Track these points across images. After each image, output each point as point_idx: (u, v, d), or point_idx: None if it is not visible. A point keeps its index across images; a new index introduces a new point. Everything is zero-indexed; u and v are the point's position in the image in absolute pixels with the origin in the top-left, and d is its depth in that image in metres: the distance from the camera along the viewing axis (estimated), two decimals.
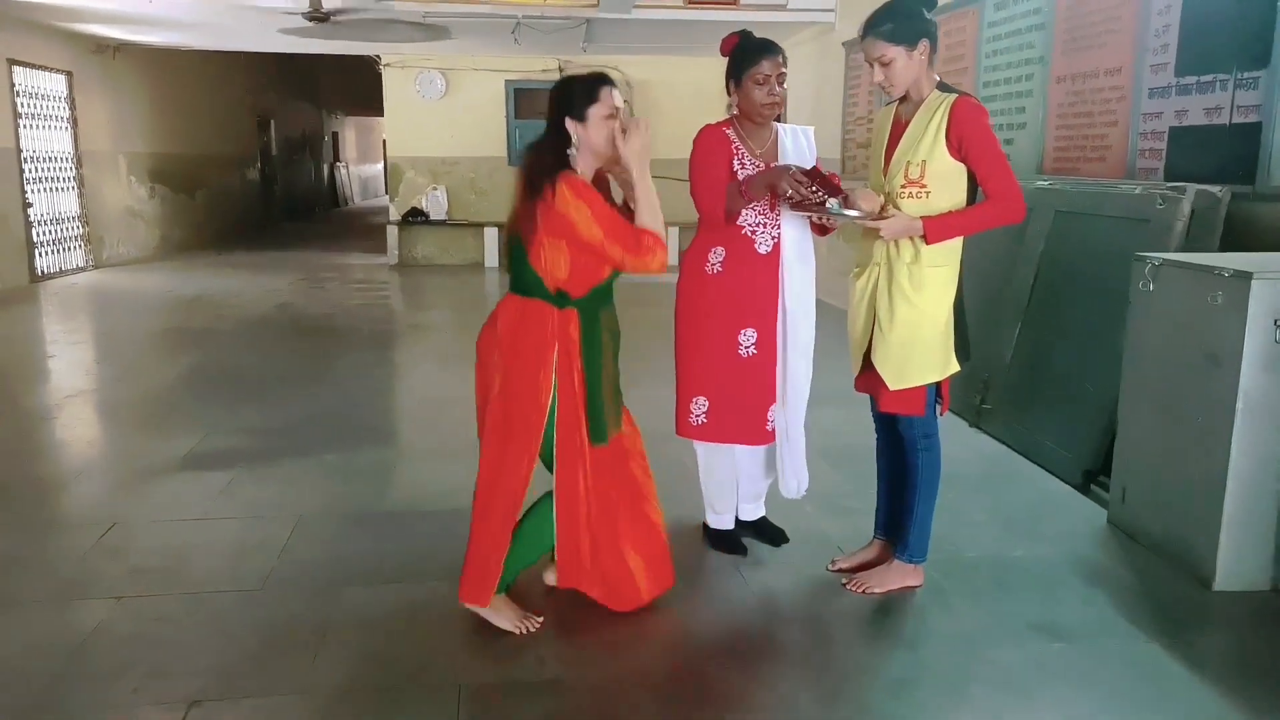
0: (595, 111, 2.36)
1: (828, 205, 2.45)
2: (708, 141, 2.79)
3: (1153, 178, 3.97)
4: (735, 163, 2.76)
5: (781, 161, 2.80)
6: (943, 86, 2.51)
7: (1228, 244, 3.48)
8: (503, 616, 2.55)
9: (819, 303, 2.89)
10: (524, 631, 2.53)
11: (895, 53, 2.44)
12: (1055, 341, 4.01)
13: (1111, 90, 4.27)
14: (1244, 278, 2.62)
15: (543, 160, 2.37)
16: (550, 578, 2.72)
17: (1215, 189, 3.47)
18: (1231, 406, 2.67)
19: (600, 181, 2.52)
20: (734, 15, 7.85)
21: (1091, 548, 3.11)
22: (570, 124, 2.37)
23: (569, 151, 2.38)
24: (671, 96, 10.95)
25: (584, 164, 2.42)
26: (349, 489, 3.60)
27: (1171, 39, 3.86)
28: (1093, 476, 3.63)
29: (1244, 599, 2.72)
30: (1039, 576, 2.87)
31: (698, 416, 2.85)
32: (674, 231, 11.16)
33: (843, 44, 7.81)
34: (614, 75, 11.45)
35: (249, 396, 4.98)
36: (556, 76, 10.97)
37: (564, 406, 2.44)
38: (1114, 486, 3.27)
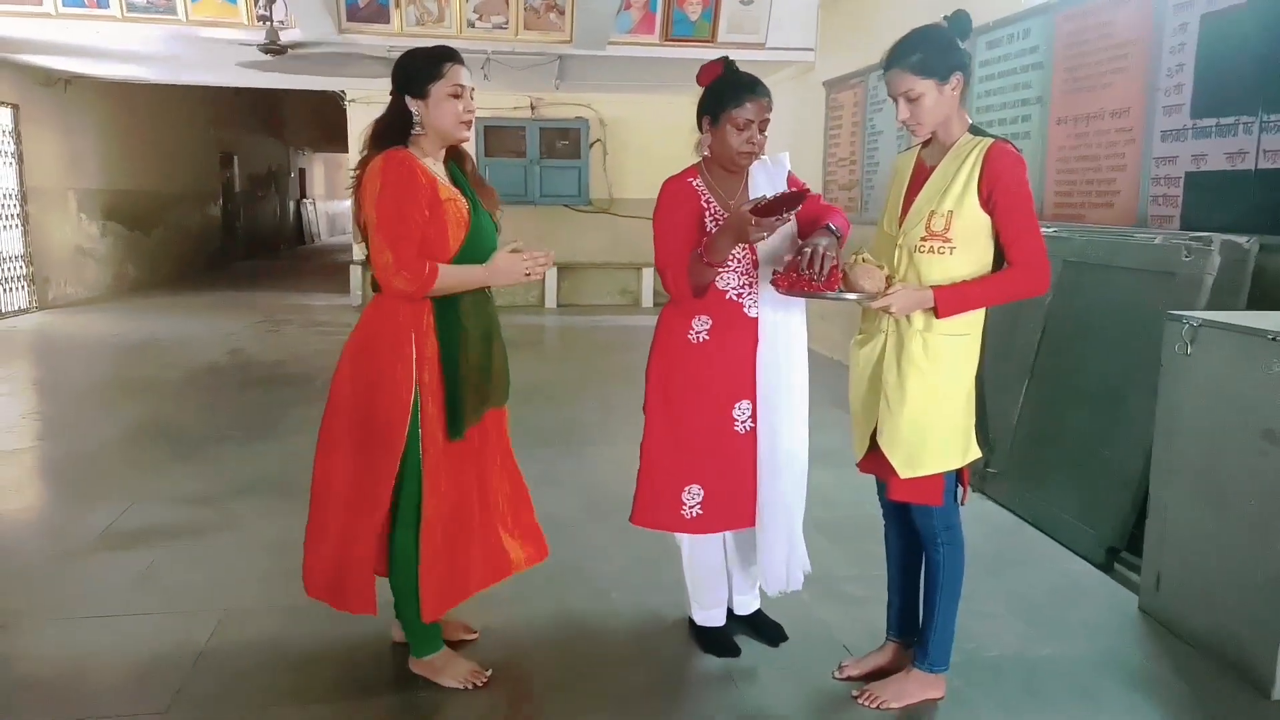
0: (438, 89, 2.20)
1: (827, 294, 2.11)
2: (671, 201, 2.39)
3: (1167, 226, 3.69)
4: (707, 219, 2.38)
5: None
6: (975, 129, 2.18)
7: (1255, 300, 3.19)
8: (448, 673, 2.39)
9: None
10: (472, 687, 2.38)
11: (924, 87, 2.11)
12: (1068, 402, 3.69)
13: (1119, 132, 4.00)
14: None
15: (374, 138, 2.23)
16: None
17: (1242, 240, 3.18)
18: None
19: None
20: (711, 53, 7.57)
21: (1127, 643, 2.75)
22: (411, 101, 2.21)
23: (413, 131, 2.23)
24: (646, 136, 10.69)
25: (427, 143, 2.24)
26: (285, 573, 3.14)
27: (1186, 78, 3.60)
28: (1116, 554, 3.29)
29: None
30: (1074, 681, 2.51)
31: (691, 508, 2.45)
32: (649, 272, 10.86)
33: (823, 83, 7.59)
34: (588, 114, 11.02)
35: (185, 458, 4.53)
36: (529, 115, 10.70)
37: (424, 405, 2.22)
38: (1146, 571, 2.93)
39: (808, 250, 2.13)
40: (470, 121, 2.27)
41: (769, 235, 2.19)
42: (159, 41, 7.49)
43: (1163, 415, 2.83)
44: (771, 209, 2.12)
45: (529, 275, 2.24)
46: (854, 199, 7.03)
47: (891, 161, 2.46)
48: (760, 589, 2.71)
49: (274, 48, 6.73)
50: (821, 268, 2.10)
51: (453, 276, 2.19)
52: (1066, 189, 4.35)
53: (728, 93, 2.35)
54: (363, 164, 2.24)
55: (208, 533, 3.53)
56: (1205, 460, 2.65)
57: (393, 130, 2.23)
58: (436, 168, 2.28)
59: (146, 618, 2.81)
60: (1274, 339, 2.40)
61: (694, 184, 2.42)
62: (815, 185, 7.59)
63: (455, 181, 2.31)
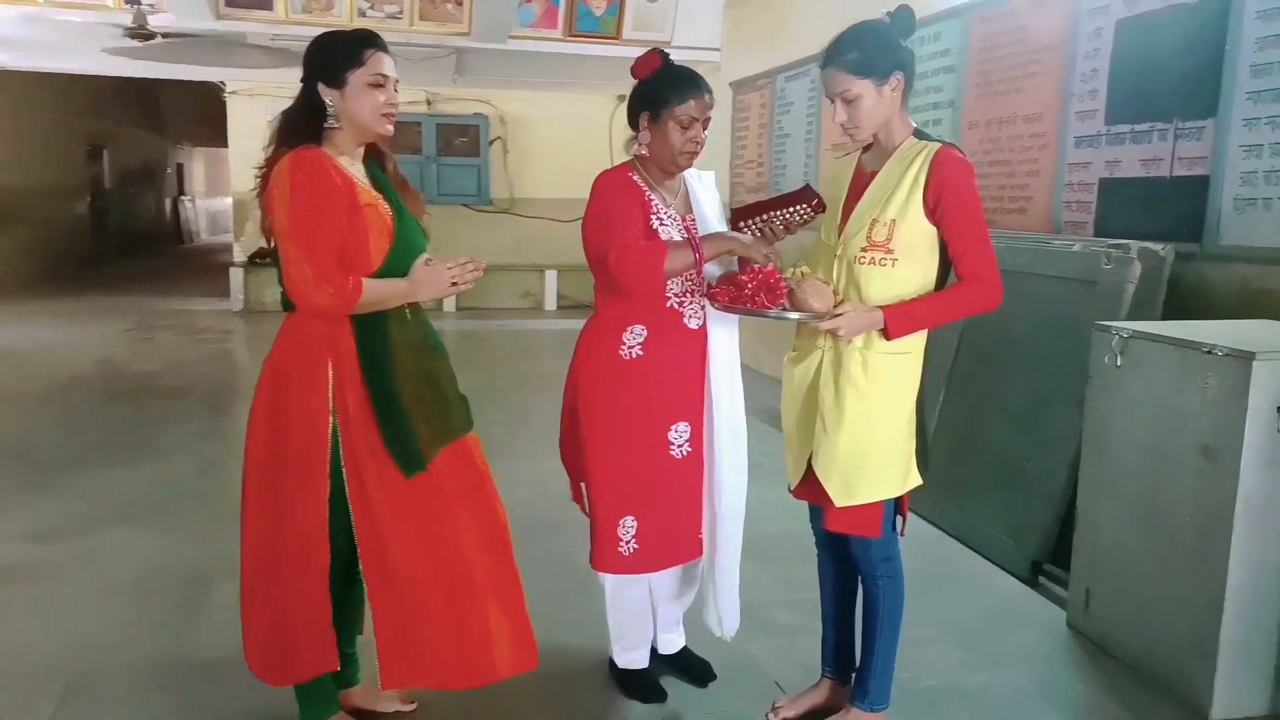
0: (357, 77, 1.95)
1: (769, 312, 1.93)
2: (617, 189, 2.17)
3: (1081, 233, 3.67)
4: (653, 217, 2.18)
5: (698, 215, 2.26)
6: (920, 133, 2.03)
7: (1171, 309, 3.17)
8: None
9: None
10: None
11: (862, 87, 1.95)
12: (988, 413, 3.62)
13: (1032, 138, 3.97)
14: (1244, 358, 2.24)
15: (282, 131, 1.96)
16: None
17: (1158, 248, 3.16)
18: (1229, 509, 2.27)
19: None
20: (616, 50, 7.42)
21: (1061, 665, 2.67)
22: (325, 90, 1.95)
23: (326, 124, 1.96)
24: (548, 134, 10.43)
25: (344, 139, 1.97)
26: (149, 625, 2.79)
27: (1100, 84, 3.58)
28: (1040, 567, 3.23)
29: None
30: (1014, 711, 2.40)
31: (627, 544, 2.22)
32: (552, 275, 10.58)
33: (730, 84, 7.47)
34: (487, 110, 10.53)
35: (38, 485, 4.05)
36: (425, 110, 10.27)
37: (346, 437, 1.93)
38: (1074, 587, 2.86)
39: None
40: (392, 115, 2.00)
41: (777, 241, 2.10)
42: (10, 23, 6.80)
43: (1091, 428, 2.76)
44: (784, 204, 2.02)
45: (456, 286, 1.97)
46: None
47: (828, 166, 2.29)
48: (681, 626, 2.53)
49: (142, 33, 6.19)
50: (787, 228, 2.07)
51: (376, 291, 1.92)
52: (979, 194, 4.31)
53: (671, 87, 2.15)
54: (270, 162, 1.96)
55: (59, 575, 3.12)
56: (1138, 476, 2.58)
57: (303, 122, 1.97)
58: (354, 168, 2.00)
59: None
60: (1209, 352, 2.33)
61: (633, 179, 2.21)
62: (723, 189, 7.47)
63: (376, 184, 2.04)
